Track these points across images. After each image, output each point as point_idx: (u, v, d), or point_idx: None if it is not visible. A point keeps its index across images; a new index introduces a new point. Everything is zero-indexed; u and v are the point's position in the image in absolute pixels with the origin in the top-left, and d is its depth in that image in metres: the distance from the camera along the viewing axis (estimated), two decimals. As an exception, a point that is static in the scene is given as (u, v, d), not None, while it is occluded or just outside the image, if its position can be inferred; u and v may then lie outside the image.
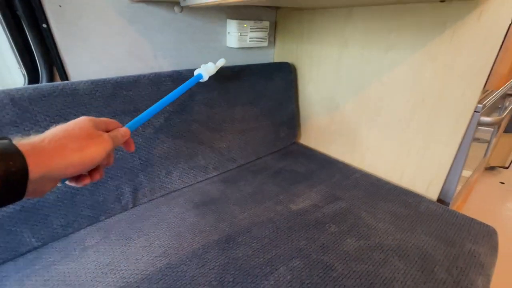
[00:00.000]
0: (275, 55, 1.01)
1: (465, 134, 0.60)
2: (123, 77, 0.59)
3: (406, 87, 0.66)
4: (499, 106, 0.85)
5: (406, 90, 0.67)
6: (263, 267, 0.47)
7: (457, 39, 0.55)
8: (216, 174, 0.77)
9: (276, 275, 0.46)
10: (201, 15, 0.77)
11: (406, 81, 0.66)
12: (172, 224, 0.58)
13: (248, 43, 0.88)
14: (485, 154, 0.94)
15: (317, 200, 0.66)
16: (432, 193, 0.69)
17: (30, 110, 0.48)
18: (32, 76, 0.59)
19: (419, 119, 0.66)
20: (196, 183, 0.73)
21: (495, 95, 0.67)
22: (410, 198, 0.68)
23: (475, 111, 0.58)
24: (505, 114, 0.63)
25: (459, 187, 0.71)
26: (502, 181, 1.68)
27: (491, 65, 0.52)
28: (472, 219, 0.61)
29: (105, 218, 0.59)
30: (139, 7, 0.67)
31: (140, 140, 0.61)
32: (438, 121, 0.63)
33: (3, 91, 0.45)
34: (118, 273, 0.46)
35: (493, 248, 0.55)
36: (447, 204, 0.68)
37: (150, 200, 0.65)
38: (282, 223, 0.58)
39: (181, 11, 0.73)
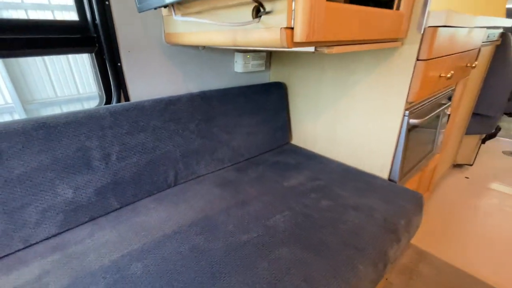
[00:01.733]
0: (271, 76, 1.31)
1: (399, 132, 0.89)
2: (170, 97, 0.88)
3: (364, 100, 0.96)
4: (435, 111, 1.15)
5: (364, 102, 0.96)
6: (266, 215, 0.74)
7: (389, 69, 0.85)
8: (230, 164, 1.04)
9: (274, 219, 0.73)
10: (217, 50, 1.07)
11: (364, 96, 0.95)
12: (204, 195, 0.85)
13: (250, 68, 1.18)
14: (432, 148, 1.22)
15: (303, 180, 0.94)
16: (384, 174, 0.97)
17: (119, 119, 0.76)
18: (107, 96, 0.88)
19: (373, 122, 0.95)
20: (216, 170, 1.00)
21: (424, 104, 0.96)
22: (369, 178, 0.96)
23: (404, 116, 0.87)
24: (427, 117, 0.92)
25: (405, 169, 0.99)
26: (467, 176, 1.97)
27: (408, 86, 0.81)
28: (407, 189, 0.89)
29: (157, 192, 0.86)
30: (176, 48, 0.96)
31: (181, 139, 0.89)
32: (385, 124, 0.92)
33: (105, 108, 0.74)
34: (174, 221, 0.73)
35: (418, 205, 0.83)
36: (395, 181, 0.96)
37: (185, 182, 0.93)
38: (278, 193, 0.86)
39: (204, 48, 1.03)
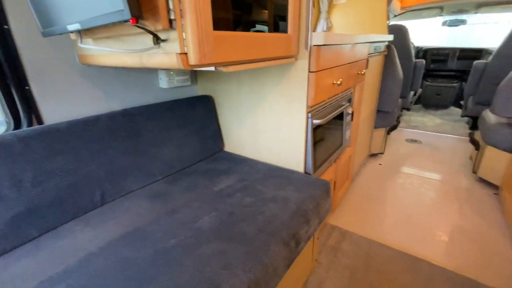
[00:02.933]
0: (199, 90, 1.39)
1: (306, 131, 1.06)
2: (87, 117, 0.88)
3: (275, 107, 1.11)
4: (335, 111, 1.38)
5: (275, 109, 1.11)
6: (193, 219, 0.81)
7: (291, 80, 1.01)
8: (161, 177, 1.08)
9: (201, 221, 0.80)
10: (139, 69, 1.11)
11: (274, 104, 1.10)
12: (133, 209, 0.87)
13: (176, 83, 1.24)
14: (341, 143, 1.46)
15: (231, 183, 1.03)
16: (300, 168, 1.13)
17: (30, 143, 0.74)
18: (16, 122, 0.84)
19: (285, 125, 1.11)
20: (147, 185, 1.03)
21: (325, 106, 1.16)
22: (288, 173, 1.10)
23: (308, 118, 1.04)
24: (328, 117, 1.11)
25: (317, 163, 1.17)
26: (380, 163, 2.34)
27: (306, 93, 0.99)
28: (317, 179, 1.05)
29: (83, 214, 0.85)
30: (93, 68, 0.97)
31: (105, 158, 0.90)
32: (294, 126, 1.08)
33: (11, 134, 0.71)
34: (101, 238, 0.74)
35: (325, 190, 1.00)
36: (310, 174, 1.13)
37: (114, 199, 0.93)
38: (207, 197, 0.93)
39: (124, 68, 1.06)
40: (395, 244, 1.37)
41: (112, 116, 0.94)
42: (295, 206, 0.87)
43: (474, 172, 1.98)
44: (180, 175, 1.11)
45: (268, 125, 1.16)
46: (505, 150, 1.69)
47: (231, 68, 0.67)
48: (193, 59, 0.57)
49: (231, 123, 1.32)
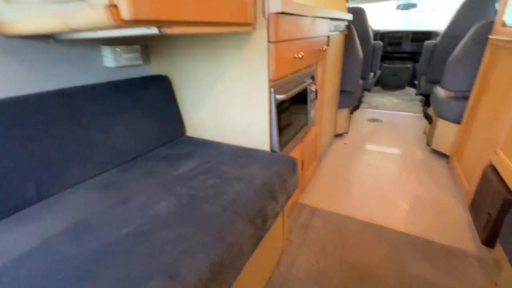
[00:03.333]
0: (152, 70, 1.27)
1: (270, 107, 1.01)
2: (11, 97, 0.74)
3: (235, 84, 1.04)
4: (298, 87, 1.35)
5: (236, 86, 1.04)
6: (150, 205, 0.73)
7: (250, 52, 0.95)
8: (113, 166, 0.96)
9: (159, 206, 0.72)
10: (77, 44, 0.96)
11: (235, 80, 1.04)
12: (78, 202, 0.76)
13: (124, 62, 1.11)
14: (307, 121, 1.45)
15: (194, 166, 0.96)
16: (266, 147, 1.09)
17: None
18: None
19: (247, 102, 1.05)
20: (96, 175, 0.91)
21: (288, 82, 1.12)
22: (254, 153, 1.05)
23: (270, 93, 0.99)
24: (289, 92, 1.08)
25: (283, 141, 1.14)
26: (345, 142, 2.41)
27: (266, 65, 0.93)
28: (284, 155, 1.02)
29: (12, 213, 0.72)
30: (14, 42, 0.81)
31: (37, 146, 0.76)
32: (257, 102, 1.03)
33: None
34: (36, 237, 0.63)
35: (291, 166, 0.97)
36: (276, 152, 1.10)
37: (54, 194, 0.80)
38: (166, 182, 0.85)
39: (56, 42, 0.91)
40: (362, 216, 1.42)
41: (44, 97, 0.80)
42: (261, 183, 0.83)
43: (428, 144, 2.13)
44: (136, 162, 1.01)
45: (230, 104, 1.09)
46: (453, 121, 1.82)
47: (176, 30, 0.59)
48: (126, 13, 0.48)
49: (191, 105, 1.22)
